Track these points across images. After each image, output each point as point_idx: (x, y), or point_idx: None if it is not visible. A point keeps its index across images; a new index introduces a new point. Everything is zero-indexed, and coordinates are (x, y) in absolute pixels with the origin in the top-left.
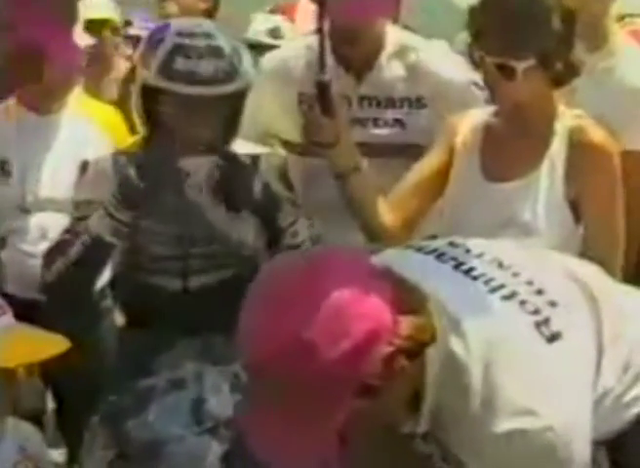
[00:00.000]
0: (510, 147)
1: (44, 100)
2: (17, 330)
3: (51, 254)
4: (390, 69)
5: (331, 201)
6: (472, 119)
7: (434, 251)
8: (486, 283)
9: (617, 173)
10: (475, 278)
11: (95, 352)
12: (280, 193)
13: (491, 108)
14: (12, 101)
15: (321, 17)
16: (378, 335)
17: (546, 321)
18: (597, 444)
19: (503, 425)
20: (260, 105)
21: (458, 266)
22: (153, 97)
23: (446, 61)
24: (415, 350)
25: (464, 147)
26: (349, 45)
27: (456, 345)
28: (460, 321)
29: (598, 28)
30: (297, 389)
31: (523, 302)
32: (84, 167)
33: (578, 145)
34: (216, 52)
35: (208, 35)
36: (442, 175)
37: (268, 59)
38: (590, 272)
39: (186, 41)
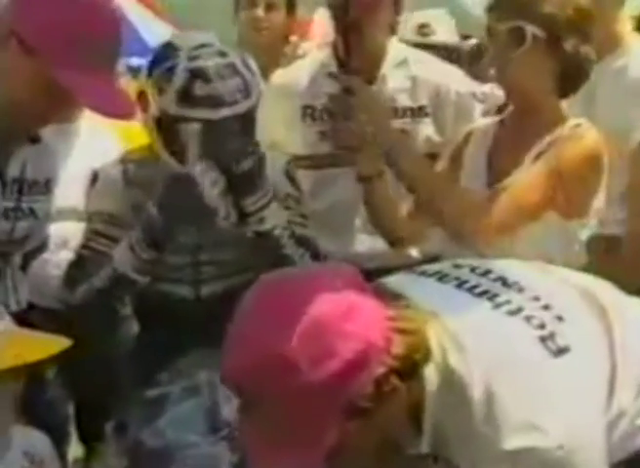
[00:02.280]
0: (514, 154)
1: None
2: (12, 333)
3: (72, 275)
4: (393, 80)
5: (335, 212)
6: (481, 126)
7: (437, 273)
8: (490, 299)
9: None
10: (479, 295)
11: (112, 358)
12: (284, 188)
13: (498, 117)
14: None
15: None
16: (367, 356)
17: (552, 335)
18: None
19: (510, 442)
20: (266, 121)
21: (460, 285)
22: (171, 126)
23: (446, 73)
24: (408, 370)
25: (472, 154)
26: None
27: (456, 362)
28: (460, 337)
29: (610, 31)
30: (280, 409)
31: (528, 317)
32: (95, 176)
33: (568, 152)
34: (230, 69)
35: (220, 53)
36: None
37: (276, 75)
38: (598, 284)
39: (201, 63)
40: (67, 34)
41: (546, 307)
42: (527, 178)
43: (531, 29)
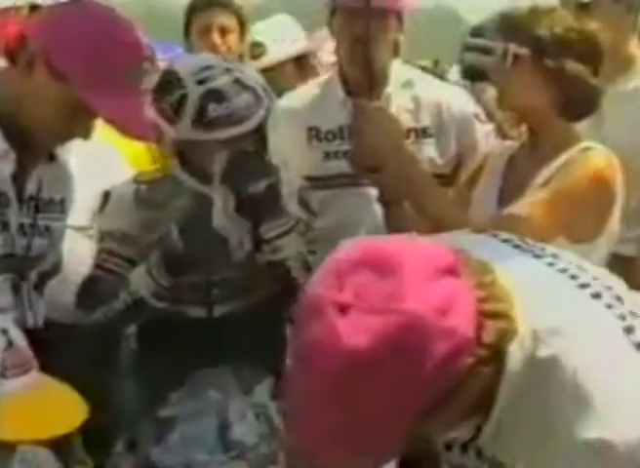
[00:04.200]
0: (526, 175)
1: None
2: (34, 394)
3: (88, 296)
4: (397, 101)
5: (338, 232)
6: (500, 149)
7: (509, 240)
8: (573, 278)
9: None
10: (562, 271)
11: (114, 375)
12: (297, 213)
13: (517, 141)
14: None
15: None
16: (460, 351)
17: (632, 329)
18: None
19: (591, 433)
20: (274, 144)
21: (538, 257)
22: (190, 151)
23: (449, 94)
24: (495, 355)
25: (488, 175)
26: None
27: (550, 343)
28: (552, 315)
29: (619, 54)
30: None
31: (609, 306)
32: (106, 196)
33: (573, 175)
34: (240, 85)
35: (224, 71)
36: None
37: (283, 99)
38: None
39: (210, 85)
40: (96, 61)
41: (619, 299)
42: (532, 207)
43: (514, 48)
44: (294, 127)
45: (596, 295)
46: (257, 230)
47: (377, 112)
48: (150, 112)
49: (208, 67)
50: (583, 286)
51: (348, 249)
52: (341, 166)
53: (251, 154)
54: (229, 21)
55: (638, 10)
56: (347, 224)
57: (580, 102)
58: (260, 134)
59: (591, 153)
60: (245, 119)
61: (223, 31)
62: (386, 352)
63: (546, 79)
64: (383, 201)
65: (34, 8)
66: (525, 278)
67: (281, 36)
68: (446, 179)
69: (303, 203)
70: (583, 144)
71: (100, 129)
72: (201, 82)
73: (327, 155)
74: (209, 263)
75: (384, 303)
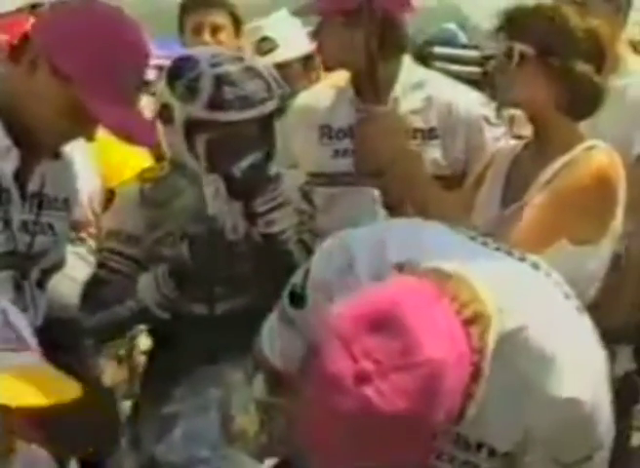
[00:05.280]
0: (530, 174)
1: None
2: (32, 370)
3: (90, 299)
4: (405, 101)
5: (339, 229)
6: (505, 149)
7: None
8: (521, 260)
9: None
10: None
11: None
12: (299, 205)
13: (522, 142)
14: None
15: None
16: (466, 369)
17: (568, 295)
18: None
19: (562, 391)
20: (287, 141)
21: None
22: (199, 132)
23: (459, 93)
24: (483, 355)
25: (492, 176)
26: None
27: (510, 321)
28: (514, 297)
29: (610, 52)
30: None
31: (547, 274)
32: (111, 195)
33: (573, 176)
34: (252, 72)
35: (236, 59)
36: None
37: (300, 97)
38: None
39: (225, 69)
40: (99, 63)
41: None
42: (534, 208)
43: (519, 47)
44: (308, 124)
45: (534, 266)
46: (248, 209)
47: (381, 118)
48: (164, 96)
49: (220, 54)
50: (536, 267)
51: (340, 317)
52: (348, 164)
53: (254, 137)
54: (221, 19)
55: (626, 10)
56: (349, 222)
57: (585, 101)
58: (268, 122)
59: (594, 152)
60: (258, 104)
61: (215, 29)
62: (423, 404)
63: (552, 78)
64: (387, 205)
65: (34, 6)
66: (484, 266)
67: (291, 34)
68: (449, 181)
69: (306, 197)
70: (587, 143)
71: None
72: (215, 65)
73: (336, 153)
74: (216, 272)
75: (404, 359)
